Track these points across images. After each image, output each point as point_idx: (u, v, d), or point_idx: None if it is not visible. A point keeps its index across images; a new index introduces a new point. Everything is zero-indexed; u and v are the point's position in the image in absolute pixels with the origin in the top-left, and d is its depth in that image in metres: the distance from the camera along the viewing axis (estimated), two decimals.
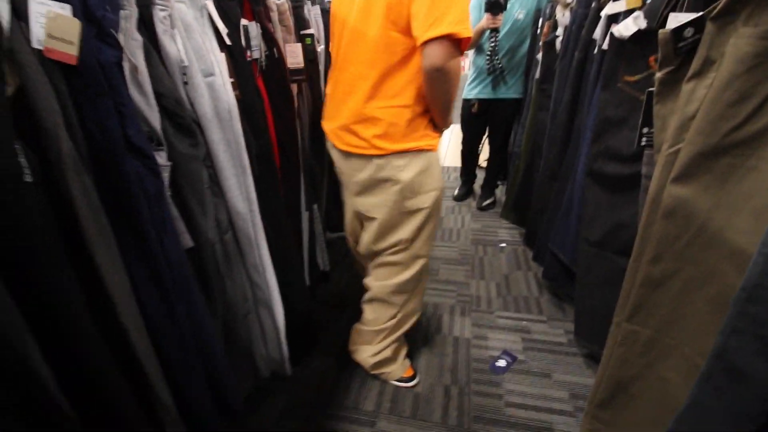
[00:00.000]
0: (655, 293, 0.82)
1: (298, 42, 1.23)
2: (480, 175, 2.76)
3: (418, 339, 1.50)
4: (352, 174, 1.07)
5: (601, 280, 1.23)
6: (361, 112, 0.97)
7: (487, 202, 2.62)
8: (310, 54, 1.29)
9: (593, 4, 1.32)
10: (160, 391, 0.78)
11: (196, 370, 0.86)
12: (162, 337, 0.77)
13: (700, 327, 0.75)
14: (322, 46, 1.49)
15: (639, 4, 1.01)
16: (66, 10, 0.55)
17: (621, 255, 1.16)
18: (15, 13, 0.53)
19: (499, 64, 2.15)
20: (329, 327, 1.57)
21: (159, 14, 0.72)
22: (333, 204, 1.80)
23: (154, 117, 0.72)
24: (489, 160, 2.56)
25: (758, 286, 0.48)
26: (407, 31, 0.88)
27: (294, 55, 1.15)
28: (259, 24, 0.98)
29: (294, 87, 1.20)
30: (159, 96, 0.73)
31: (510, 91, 2.25)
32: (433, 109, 0.99)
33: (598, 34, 1.27)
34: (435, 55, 0.85)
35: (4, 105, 0.51)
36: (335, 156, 1.12)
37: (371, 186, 1.04)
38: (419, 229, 1.09)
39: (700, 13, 0.65)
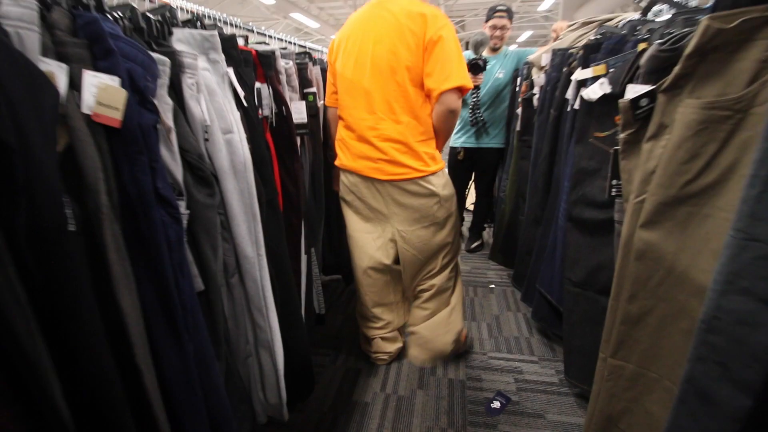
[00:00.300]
0: (634, 329, 0.89)
1: (302, 99, 1.35)
2: (467, 218, 2.87)
3: (413, 381, 1.51)
4: (395, 201, 1.32)
5: (585, 319, 1.29)
6: (405, 147, 1.25)
7: (476, 244, 2.71)
8: (312, 110, 1.41)
9: (564, 69, 1.49)
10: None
11: (200, 413, 0.87)
12: (171, 377, 0.80)
13: (677, 359, 0.81)
14: (322, 101, 1.63)
15: (604, 71, 1.17)
16: (115, 81, 0.63)
17: (602, 294, 1.24)
18: (71, 84, 0.61)
19: (481, 117, 2.33)
20: (325, 371, 1.57)
21: (187, 81, 0.82)
22: (327, 247, 1.86)
23: (177, 170, 0.80)
24: (475, 204, 2.69)
25: (714, 318, 0.55)
26: (422, 86, 1.22)
27: (299, 112, 1.27)
28: (270, 86, 1.09)
29: (298, 139, 1.31)
30: (183, 152, 0.81)
31: (493, 141, 2.42)
32: (440, 138, 1.32)
33: (569, 94, 1.43)
34: (449, 101, 1.20)
35: (55, 163, 0.57)
36: (368, 188, 1.33)
37: (413, 203, 1.31)
38: (453, 228, 1.41)
39: (653, 87, 0.78)
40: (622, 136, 0.85)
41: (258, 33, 1.50)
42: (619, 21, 1.47)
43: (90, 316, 0.62)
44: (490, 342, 1.74)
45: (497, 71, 2.29)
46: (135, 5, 0.80)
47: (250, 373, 1.11)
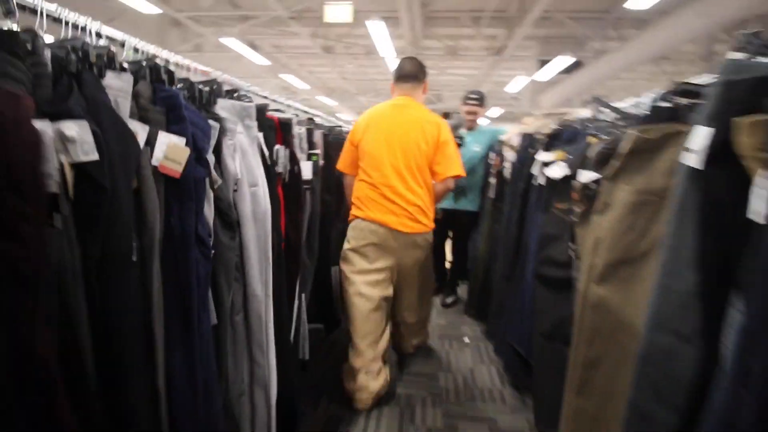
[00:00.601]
0: (593, 372, 1.03)
1: (308, 159, 1.53)
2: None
3: (393, 429, 1.55)
4: (407, 246, 1.73)
5: (553, 369, 1.42)
6: (420, 209, 1.71)
7: (451, 299, 2.84)
8: (315, 168, 1.59)
9: (531, 151, 1.77)
10: None
11: None
12: (180, 405, 0.85)
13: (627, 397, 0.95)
14: (322, 161, 1.82)
15: (563, 157, 1.43)
16: (182, 141, 0.78)
17: (566, 345, 1.39)
18: (147, 141, 0.76)
19: (460, 183, 2.60)
20: (306, 418, 1.59)
21: (227, 142, 0.98)
22: (312, 296, 1.95)
23: (210, 215, 0.93)
24: (451, 262, 2.87)
25: (647, 353, 0.72)
26: (430, 169, 1.74)
27: (306, 170, 1.44)
28: (287, 148, 1.27)
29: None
30: (217, 200, 0.95)
31: (469, 204, 2.67)
32: (434, 205, 1.81)
33: (535, 171, 1.69)
34: (449, 183, 1.79)
35: (131, 203, 0.70)
36: (391, 237, 1.70)
37: (418, 249, 1.76)
38: (431, 267, 1.95)
39: (599, 176, 1.00)
40: (576, 210, 1.06)
41: (273, 101, 1.72)
42: (573, 116, 1.79)
43: (134, 339, 0.70)
44: (465, 393, 1.82)
45: (474, 146, 2.61)
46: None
47: (241, 411, 1.15)
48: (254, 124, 1.08)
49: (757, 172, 0.53)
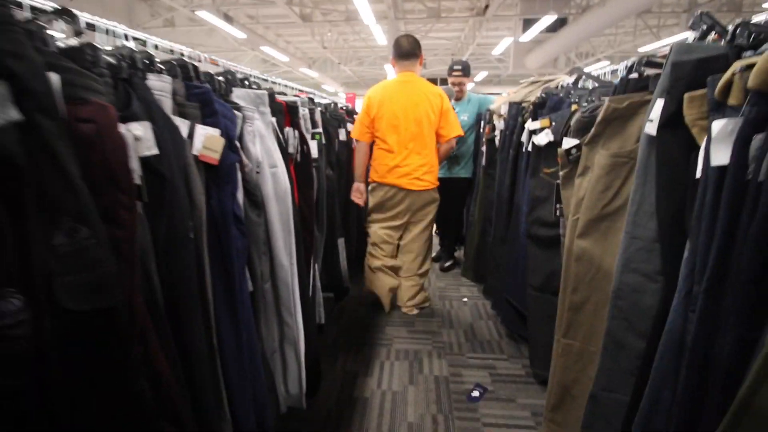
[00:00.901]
0: (578, 314, 1.20)
1: (312, 139, 1.63)
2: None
3: (405, 378, 1.74)
4: (417, 202, 2.20)
5: (545, 317, 1.61)
6: (425, 169, 2.15)
7: (449, 263, 3.03)
8: (319, 145, 1.69)
9: (519, 119, 1.89)
10: (223, 408, 0.99)
11: (247, 392, 1.07)
12: (230, 361, 1.00)
13: None
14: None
15: (548, 124, 1.55)
16: (217, 132, 0.89)
17: (556, 296, 1.56)
18: (188, 134, 0.86)
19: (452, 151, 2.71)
20: (326, 375, 1.77)
21: (247, 128, 1.08)
22: (323, 266, 2.09)
23: (240, 196, 1.04)
24: (443, 229, 3.03)
25: (619, 289, 0.87)
26: (436, 134, 2.19)
27: (313, 149, 1.54)
28: (296, 131, 1.37)
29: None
30: (244, 182, 1.06)
31: (462, 171, 2.80)
32: (438, 164, 2.27)
33: (524, 139, 1.82)
34: (452, 142, 2.26)
35: (184, 188, 0.81)
36: (402, 195, 2.18)
37: (427, 204, 2.23)
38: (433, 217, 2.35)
39: (579, 141, 1.13)
40: (561, 173, 1.20)
41: (274, 82, 1.78)
42: (557, 83, 1.90)
43: (194, 302, 0.84)
44: (466, 345, 2.02)
45: (462, 115, 2.70)
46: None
47: (274, 367, 1.31)
48: (268, 110, 1.18)
49: (699, 137, 0.67)
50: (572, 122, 1.19)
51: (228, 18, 7.67)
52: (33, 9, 0.62)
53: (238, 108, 1.05)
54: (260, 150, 1.12)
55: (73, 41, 0.65)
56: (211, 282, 0.94)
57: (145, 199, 0.65)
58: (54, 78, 0.50)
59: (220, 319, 0.97)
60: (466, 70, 2.76)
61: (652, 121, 0.78)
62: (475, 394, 1.66)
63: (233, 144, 0.94)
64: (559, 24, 7.49)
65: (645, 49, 9.76)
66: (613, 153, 1.06)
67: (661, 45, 9.04)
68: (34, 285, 0.48)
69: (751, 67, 0.59)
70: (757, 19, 0.83)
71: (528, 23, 7.74)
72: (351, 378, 1.75)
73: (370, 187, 2.24)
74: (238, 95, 1.12)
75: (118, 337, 0.55)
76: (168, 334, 0.74)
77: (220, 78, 1.11)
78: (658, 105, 0.77)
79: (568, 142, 1.18)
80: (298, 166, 1.41)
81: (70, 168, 0.50)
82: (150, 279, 0.71)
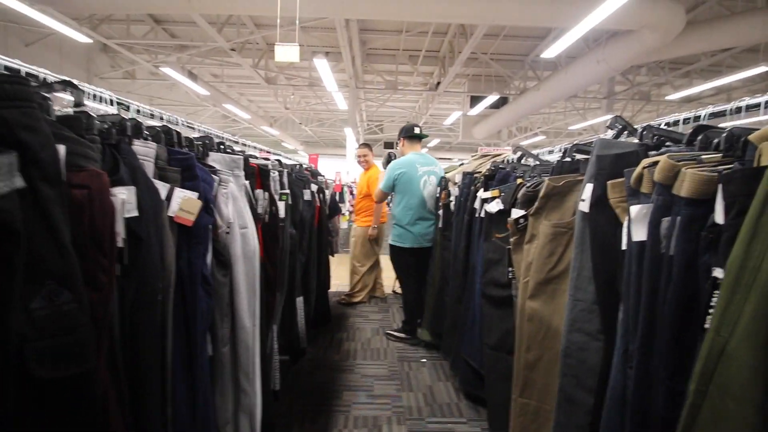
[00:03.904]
0: (532, 372, 1.27)
1: (279, 200, 1.67)
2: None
3: None
4: None
5: (501, 376, 1.66)
6: None
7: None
8: (286, 206, 1.73)
9: (472, 188, 2.08)
10: None
11: None
12: (181, 425, 0.93)
13: None
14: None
15: (498, 194, 1.72)
16: (195, 196, 0.91)
17: (511, 354, 1.64)
18: (166, 197, 0.88)
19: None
20: None
21: (222, 191, 1.11)
22: (279, 327, 2.03)
23: (209, 256, 1.05)
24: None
25: (567, 347, 0.96)
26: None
27: (281, 210, 1.58)
28: (267, 192, 1.42)
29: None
30: (214, 242, 1.07)
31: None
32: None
33: (476, 205, 1.99)
34: None
35: (158, 250, 0.81)
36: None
37: None
38: None
39: (525, 212, 1.28)
40: (511, 240, 1.33)
41: (245, 144, 1.85)
42: (504, 158, 2.14)
43: (154, 369, 0.80)
44: (426, 409, 1.99)
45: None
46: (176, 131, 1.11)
47: None
48: (242, 173, 1.22)
49: (622, 216, 0.81)
50: (519, 195, 1.36)
51: (192, 75, 7.83)
52: (36, 79, 0.65)
53: (215, 171, 1.09)
54: (232, 211, 1.15)
55: (69, 110, 0.68)
56: (172, 346, 0.90)
57: (126, 262, 0.66)
58: (61, 149, 0.53)
59: (176, 387, 0.92)
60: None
61: (584, 200, 0.94)
62: None
63: (209, 206, 0.96)
64: (502, 102, 8.52)
65: (574, 127, 11.22)
66: (554, 224, 1.21)
67: (587, 124, 10.46)
68: (8, 350, 0.46)
69: (656, 164, 0.75)
70: (657, 122, 1.05)
71: (475, 99, 8.72)
72: None
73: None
74: (214, 159, 1.16)
75: (88, 405, 0.53)
76: (125, 403, 0.70)
77: (198, 142, 1.16)
78: (588, 188, 0.92)
79: (516, 213, 1.33)
80: (266, 226, 1.43)
81: (63, 232, 0.52)
82: (112, 343, 0.69)
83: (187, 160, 0.92)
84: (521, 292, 1.29)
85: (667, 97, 8.37)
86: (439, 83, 7.99)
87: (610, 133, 1.07)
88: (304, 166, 2.78)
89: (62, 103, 0.79)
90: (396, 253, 2.84)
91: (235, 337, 1.20)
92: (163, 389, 0.86)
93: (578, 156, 1.24)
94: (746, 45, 5.93)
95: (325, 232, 3.11)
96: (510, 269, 1.44)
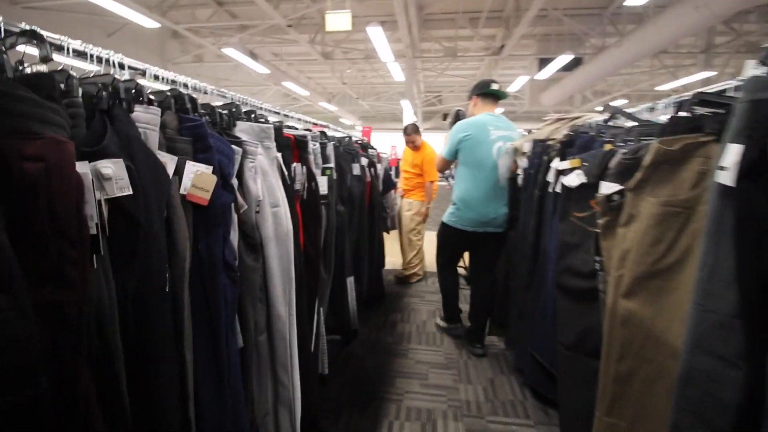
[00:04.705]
0: (624, 388, 1.02)
1: (322, 174, 1.53)
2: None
3: None
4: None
5: (579, 381, 1.40)
6: None
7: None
8: (330, 181, 1.59)
9: (545, 157, 1.76)
10: None
11: None
12: (209, 423, 0.85)
13: (662, 417, 0.93)
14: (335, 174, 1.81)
15: (579, 164, 1.41)
16: (209, 169, 0.78)
17: (590, 357, 1.36)
18: (176, 171, 0.76)
19: None
20: None
21: (248, 164, 0.98)
22: (329, 309, 1.94)
23: (235, 238, 0.92)
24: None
25: (688, 374, 0.70)
26: None
27: (322, 185, 1.44)
28: (304, 166, 1.27)
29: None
30: (241, 223, 0.94)
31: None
32: None
33: (550, 178, 1.68)
34: None
35: (164, 235, 0.70)
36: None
37: None
38: None
39: (622, 187, 0.99)
40: (600, 222, 1.05)
41: (285, 115, 1.72)
42: (585, 120, 1.78)
43: (168, 369, 0.70)
44: (486, 405, 1.80)
45: None
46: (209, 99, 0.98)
47: (267, 430, 1.14)
48: (273, 144, 1.08)
49: None
50: (612, 164, 1.06)
51: (253, 55, 8.00)
52: None
53: (240, 142, 0.96)
54: (261, 187, 1.01)
55: (42, 67, 0.56)
56: (192, 342, 0.80)
57: (101, 252, 0.54)
58: None
59: (201, 385, 0.83)
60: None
61: (725, 168, 0.64)
62: None
63: (228, 182, 0.83)
64: (575, 63, 7.56)
65: (662, 88, 9.71)
66: (664, 201, 0.91)
67: (678, 84, 8.97)
68: None
69: None
70: None
71: (544, 62, 7.84)
72: None
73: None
74: (241, 129, 1.03)
75: None
76: (125, 415, 0.60)
77: (224, 111, 1.03)
78: (734, 151, 0.63)
79: (608, 187, 1.03)
80: (305, 203, 1.30)
81: None
82: (107, 345, 0.59)
83: (196, 128, 0.78)
84: (612, 288, 1.02)
85: None
86: (503, 46, 7.28)
87: (762, 70, 0.73)
88: (355, 138, 2.61)
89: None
90: (445, 231, 2.29)
91: (270, 326, 1.09)
92: (183, 391, 0.77)
93: (700, 110, 0.91)
94: None
95: (378, 209, 2.97)
96: (597, 258, 1.16)
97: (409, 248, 3.55)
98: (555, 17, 6.65)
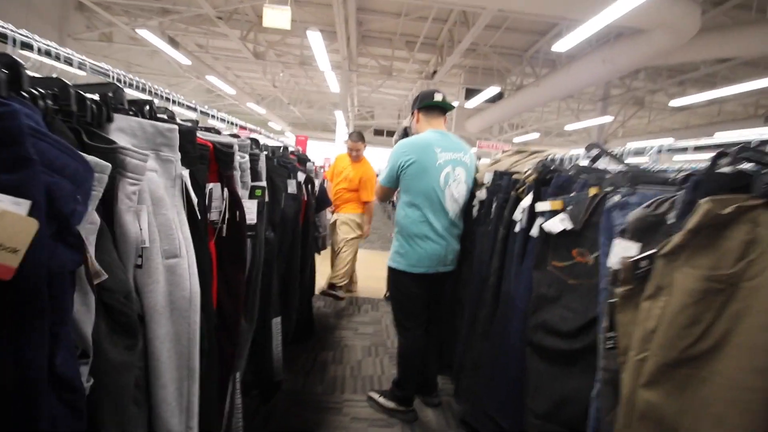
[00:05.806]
0: None
1: (250, 197, 1.14)
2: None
3: None
4: None
5: None
6: None
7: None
8: (260, 206, 1.20)
9: (512, 193, 1.58)
10: None
11: None
12: None
13: None
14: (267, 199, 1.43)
15: (561, 207, 1.23)
16: (23, 207, 0.39)
17: (566, 428, 1.18)
18: None
19: None
20: None
21: (127, 189, 0.58)
22: (247, 365, 1.51)
23: (87, 321, 0.52)
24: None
25: None
26: None
27: (250, 212, 1.06)
28: (226, 188, 0.88)
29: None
30: (103, 291, 0.54)
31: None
32: None
33: (517, 216, 1.50)
34: None
35: None
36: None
37: None
38: None
39: (653, 251, 0.79)
40: (619, 291, 0.85)
41: (205, 113, 1.30)
42: (548, 156, 1.64)
43: None
44: None
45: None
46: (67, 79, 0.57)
47: None
48: (176, 156, 0.69)
49: None
50: (631, 220, 0.87)
51: (174, 42, 7.11)
52: None
53: (113, 150, 0.56)
54: (150, 226, 0.62)
55: None
56: None
57: None
58: None
59: None
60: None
61: None
62: None
63: (68, 229, 0.44)
64: (498, 97, 8.16)
65: (569, 127, 10.87)
66: (708, 276, 0.73)
67: (580, 126, 10.13)
68: None
69: None
70: None
71: (470, 92, 8.35)
72: None
73: None
74: (119, 126, 0.63)
75: None
76: None
77: (94, 96, 0.62)
78: None
79: (627, 248, 0.83)
80: (223, 241, 0.91)
81: None
82: None
83: (2, 119, 0.38)
84: (630, 374, 0.82)
85: (671, 103, 8.09)
86: (435, 72, 7.46)
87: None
88: (290, 149, 2.23)
89: None
90: (396, 279, 1.86)
91: None
92: None
93: (746, 165, 0.75)
94: (750, 57, 5.71)
95: (311, 229, 2.59)
96: (611, 334, 0.96)
97: (338, 261, 3.22)
98: (482, 52, 7.10)
